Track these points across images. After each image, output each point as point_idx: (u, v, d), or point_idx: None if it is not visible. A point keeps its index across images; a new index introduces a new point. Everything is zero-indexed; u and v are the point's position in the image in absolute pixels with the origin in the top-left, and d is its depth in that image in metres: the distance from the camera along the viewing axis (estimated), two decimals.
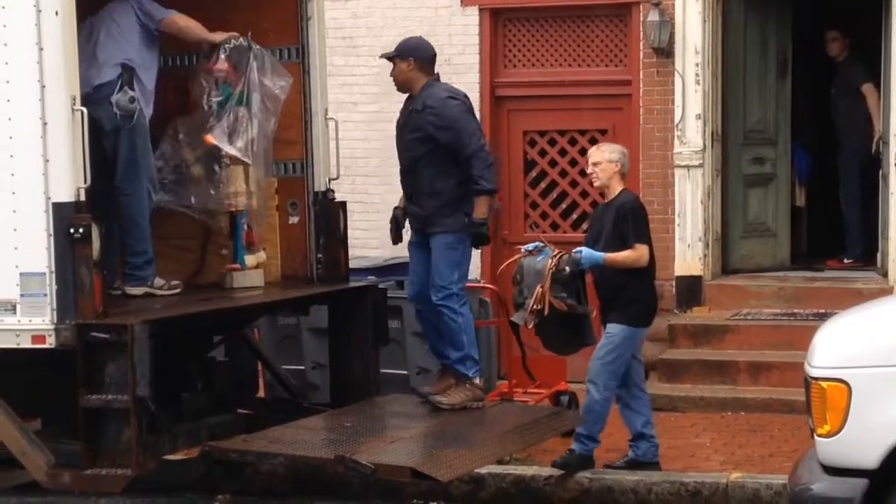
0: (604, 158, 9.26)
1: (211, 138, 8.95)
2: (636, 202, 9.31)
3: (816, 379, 6.47)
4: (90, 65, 8.32)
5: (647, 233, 9.16)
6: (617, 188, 9.24)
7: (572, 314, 8.87)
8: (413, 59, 8.72)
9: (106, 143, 8.47)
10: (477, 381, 8.66)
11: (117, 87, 8.37)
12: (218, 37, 8.88)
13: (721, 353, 11.71)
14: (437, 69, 8.85)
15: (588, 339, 9.09)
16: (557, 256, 8.86)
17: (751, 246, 13.13)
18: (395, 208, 8.96)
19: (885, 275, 12.08)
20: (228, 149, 8.94)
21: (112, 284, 8.59)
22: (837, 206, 13.19)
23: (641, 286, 9.07)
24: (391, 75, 8.85)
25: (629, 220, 9.06)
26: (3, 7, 7.45)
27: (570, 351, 9.38)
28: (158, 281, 8.71)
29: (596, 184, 9.37)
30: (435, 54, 8.95)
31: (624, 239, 9.01)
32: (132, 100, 8.36)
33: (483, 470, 9.06)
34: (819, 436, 6.46)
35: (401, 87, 8.83)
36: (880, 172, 12.46)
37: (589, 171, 9.40)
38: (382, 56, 8.91)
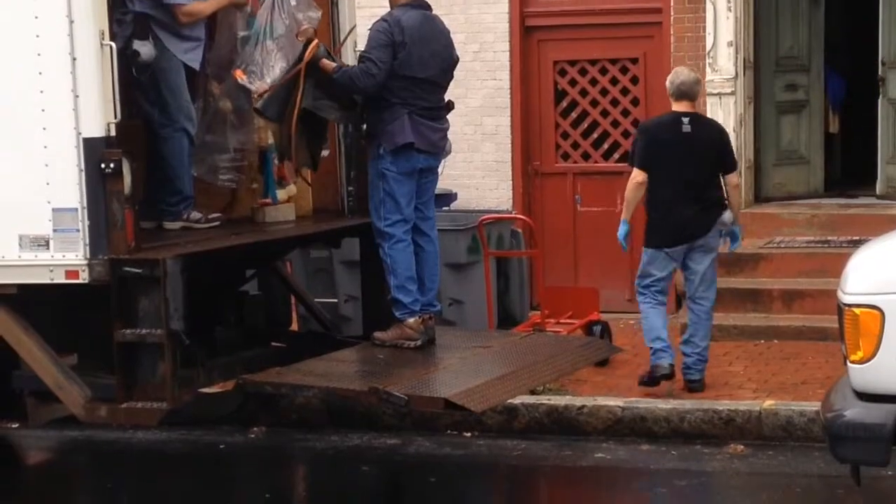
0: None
1: (240, 73, 8.91)
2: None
3: (849, 305, 6.44)
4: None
5: (642, 157, 9.56)
6: None
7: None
8: None
9: (136, 89, 8.49)
10: (410, 321, 8.50)
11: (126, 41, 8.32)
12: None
13: (754, 282, 11.70)
14: None
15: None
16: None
17: (784, 173, 13.08)
18: None
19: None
20: (258, 84, 8.91)
21: (149, 218, 8.66)
22: (872, 131, 13.09)
23: (651, 211, 9.58)
24: None
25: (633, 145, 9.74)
26: None
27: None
28: (195, 215, 8.72)
29: None
30: None
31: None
32: (136, 53, 8.31)
33: (516, 400, 9.11)
34: (852, 362, 6.44)
35: (391, 7, 8.60)
36: (880, 98, 12.53)
37: None
38: None
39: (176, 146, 8.61)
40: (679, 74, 9.70)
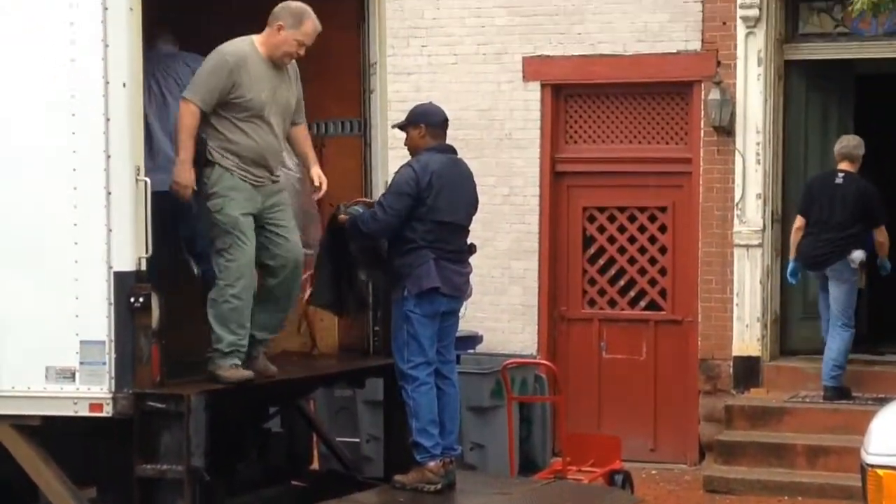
0: None
1: None
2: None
3: (873, 466, 6.40)
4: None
5: (799, 204, 12.04)
6: None
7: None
8: (424, 124, 8.59)
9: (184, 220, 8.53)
10: (431, 464, 8.41)
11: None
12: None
13: (778, 436, 11.61)
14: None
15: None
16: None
17: (810, 328, 12.98)
18: None
19: None
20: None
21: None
22: None
23: (801, 240, 11.95)
24: (405, 144, 8.65)
25: None
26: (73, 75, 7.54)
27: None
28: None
29: None
30: (446, 119, 8.66)
31: None
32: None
33: None
34: None
35: (412, 154, 8.62)
36: None
37: None
38: (394, 126, 8.78)
39: None
40: (843, 139, 11.91)
